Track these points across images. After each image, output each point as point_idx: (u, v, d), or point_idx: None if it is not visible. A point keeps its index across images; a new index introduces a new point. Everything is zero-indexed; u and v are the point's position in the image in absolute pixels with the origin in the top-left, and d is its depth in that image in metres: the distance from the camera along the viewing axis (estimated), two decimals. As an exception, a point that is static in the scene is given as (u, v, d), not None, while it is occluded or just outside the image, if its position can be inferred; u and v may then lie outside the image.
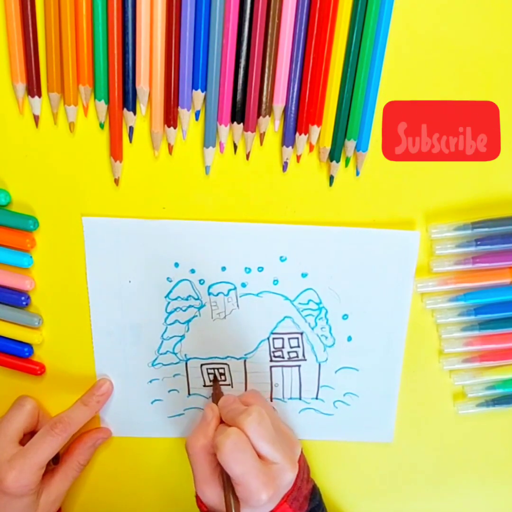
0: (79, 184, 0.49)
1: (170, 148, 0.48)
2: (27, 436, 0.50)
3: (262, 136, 0.48)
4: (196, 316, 0.52)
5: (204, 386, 0.54)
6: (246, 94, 0.46)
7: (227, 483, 0.44)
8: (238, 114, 0.46)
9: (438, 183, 0.49)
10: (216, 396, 0.51)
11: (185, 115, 0.46)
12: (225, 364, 0.54)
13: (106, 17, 0.44)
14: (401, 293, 0.52)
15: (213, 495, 0.46)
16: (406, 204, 0.50)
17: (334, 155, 0.48)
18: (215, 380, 0.54)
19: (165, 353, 0.53)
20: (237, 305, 0.52)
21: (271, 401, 0.54)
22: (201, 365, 0.53)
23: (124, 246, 0.50)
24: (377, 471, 0.57)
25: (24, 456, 0.47)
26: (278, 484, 0.45)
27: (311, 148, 0.48)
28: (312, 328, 0.53)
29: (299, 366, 0.54)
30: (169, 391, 0.54)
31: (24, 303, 0.51)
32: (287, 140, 0.47)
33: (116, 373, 0.53)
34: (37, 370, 0.52)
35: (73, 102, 0.46)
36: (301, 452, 0.50)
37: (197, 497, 0.48)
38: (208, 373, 0.54)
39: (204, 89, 0.46)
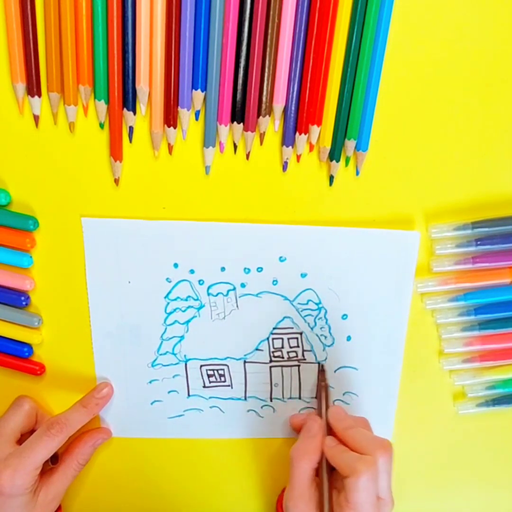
0: (79, 184, 0.49)
1: (170, 148, 0.48)
2: (26, 436, 0.50)
3: (262, 136, 0.48)
4: (196, 316, 0.52)
5: (204, 387, 0.54)
6: (246, 94, 0.46)
7: (328, 502, 0.45)
8: (238, 114, 0.46)
9: (438, 183, 0.49)
10: (320, 396, 0.52)
11: (185, 115, 0.46)
12: (225, 365, 0.53)
13: (106, 17, 0.44)
14: (401, 293, 0.52)
15: (306, 510, 0.46)
16: (406, 204, 0.50)
17: (334, 154, 0.48)
18: (320, 382, 0.53)
19: (164, 354, 0.53)
20: (237, 306, 0.52)
21: (271, 401, 0.55)
22: (201, 366, 0.53)
23: (124, 247, 0.50)
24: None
25: (19, 456, 0.47)
26: None
27: (311, 148, 0.48)
28: (312, 328, 0.53)
29: (298, 366, 0.54)
30: (168, 392, 0.54)
31: (24, 303, 0.50)
32: (287, 140, 0.47)
33: (116, 373, 0.53)
34: (37, 370, 0.52)
35: (73, 102, 0.46)
36: None
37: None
38: (208, 374, 0.54)
39: (204, 89, 0.46)
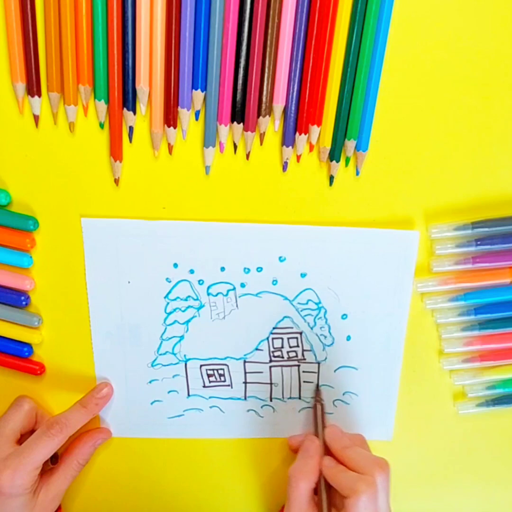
0: (79, 184, 0.49)
1: (170, 148, 0.48)
2: (26, 436, 0.50)
3: (262, 136, 0.48)
4: (195, 316, 0.52)
5: (204, 387, 0.54)
6: (246, 94, 0.46)
7: None
8: (238, 114, 0.46)
9: (438, 183, 0.49)
10: (316, 417, 0.53)
11: (185, 115, 0.46)
12: (225, 364, 0.54)
13: (106, 17, 0.44)
14: (400, 293, 0.52)
15: None
16: (406, 204, 0.50)
17: (334, 155, 0.48)
18: (316, 402, 0.53)
19: (164, 354, 0.53)
20: (236, 305, 0.52)
21: (271, 401, 0.55)
22: (201, 365, 0.53)
23: (123, 247, 0.50)
24: (377, 471, 0.57)
25: (19, 456, 0.47)
26: None
27: (311, 148, 0.48)
28: (311, 328, 0.53)
29: (298, 365, 0.54)
30: (168, 392, 0.54)
31: (24, 303, 0.50)
32: (287, 140, 0.47)
33: (116, 373, 0.53)
34: (37, 370, 0.52)
35: (73, 102, 0.46)
36: None
37: None
38: (208, 374, 0.54)
39: (204, 89, 0.46)
